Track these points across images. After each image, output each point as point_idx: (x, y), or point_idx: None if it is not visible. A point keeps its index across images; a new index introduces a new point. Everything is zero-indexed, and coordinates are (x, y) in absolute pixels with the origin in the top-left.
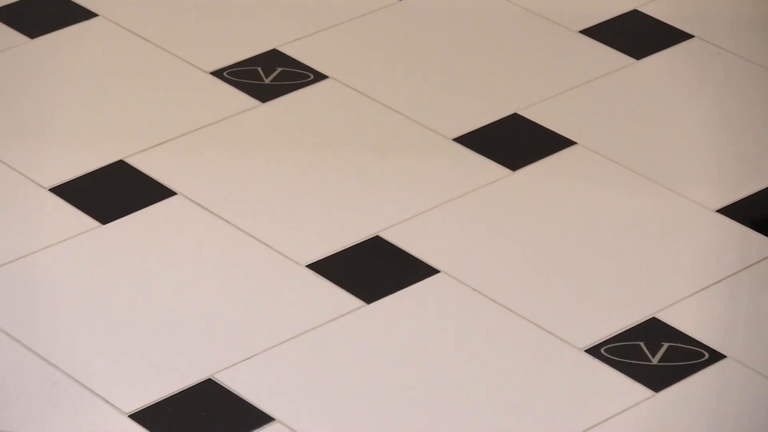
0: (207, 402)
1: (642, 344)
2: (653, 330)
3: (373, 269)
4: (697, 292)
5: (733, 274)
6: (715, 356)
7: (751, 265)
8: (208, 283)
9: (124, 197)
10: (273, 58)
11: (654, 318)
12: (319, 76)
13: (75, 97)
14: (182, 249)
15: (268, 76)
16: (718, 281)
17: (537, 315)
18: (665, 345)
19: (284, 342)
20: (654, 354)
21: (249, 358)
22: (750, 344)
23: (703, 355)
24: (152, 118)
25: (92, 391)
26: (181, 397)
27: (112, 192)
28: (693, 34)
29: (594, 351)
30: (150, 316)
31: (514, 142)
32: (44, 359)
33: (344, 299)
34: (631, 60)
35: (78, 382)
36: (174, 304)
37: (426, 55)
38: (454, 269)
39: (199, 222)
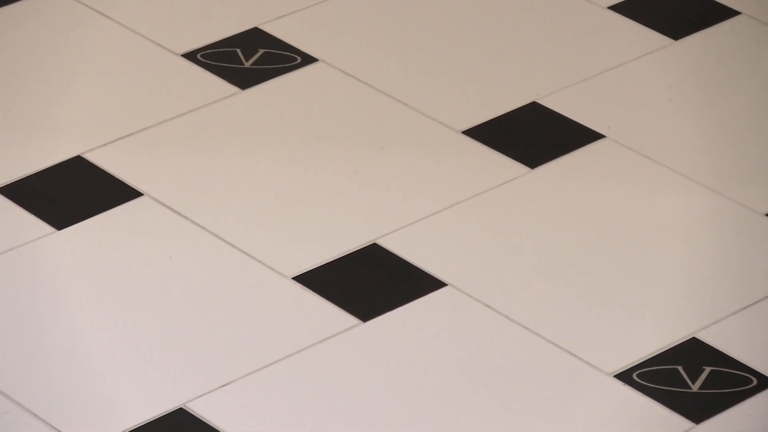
0: None
1: (680, 369)
2: (693, 352)
3: (369, 282)
4: (743, 308)
5: None
6: (764, 382)
7: None
8: (179, 299)
9: (81, 199)
10: (254, 37)
11: (694, 338)
12: (308, 59)
13: (24, 83)
14: (149, 259)
15: (249, 58)
16: None
17: (559, 335)
18: (707, 369)
19: (266, 366)
20: (694, 380)
21: (226, 384)
22: None
23: (751, 381)
24: (114, 107)
25: (46, 422)
26: (149, 428)
27: (68, 193)
28: (739, 10)
29: (625, 376)
30: (111, 337)
31: (532, 135)
32: None
33: (336, 317)
34: (668, 40)
35: (29, 411)
36: (139, 323)
37: (430, 34)
38: (464, 282)
39: (168, 228)
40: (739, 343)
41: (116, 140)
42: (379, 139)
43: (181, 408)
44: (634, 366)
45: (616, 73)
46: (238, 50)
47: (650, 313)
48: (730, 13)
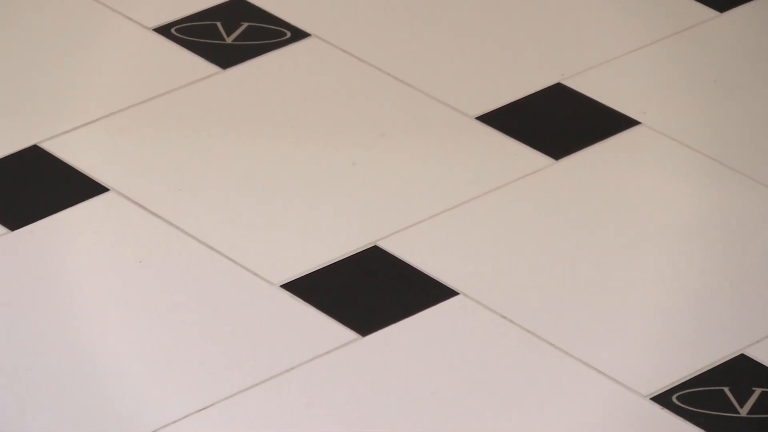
0: None
1: (726, 390)
2: (741, 371)
3: (369, 290)
4: None
5: None
6: None
7: None
8: (150, 310)
9: (39, 195)
10: (237, 9)
11: (742, 355)
12: (299, 34)
13: None
14: (116, 264)
15: (231, 33)
16: None
17: (587, 352)
18: (757, 391)
19: (249, 388)
20: (742, 402)
21: (204, 408)
22: None
23: None
24: (77, 89)
25: None
26: None
27: (23, 188)
28: None
29: (663, 399)
30: (73, 354)
31: (556, 121)
32: None
33: (331, 330)
34: (713, 12)
35: None
36: (103, 337)
37: (439, 5)
38: (478, 290)
39: (138, 227)
40: None
41: (78, 127)
42: (381, 125)
43: None
44: (673, 387)
45: (653, 50)
46: (219, 24)
47: (691, 325)
48: None
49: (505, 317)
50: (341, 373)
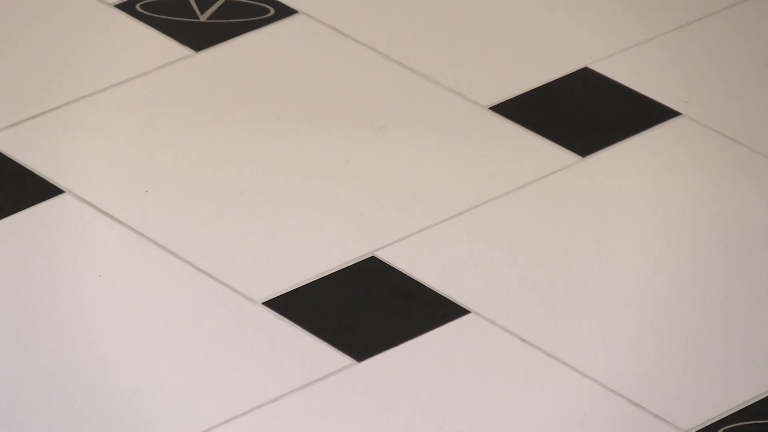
0: None
1: None
2: None
3: (366, 309)
4: None
5: None
6: None
7: None
8: (112, 331)
9: None
10: None
11: None
12: (284, 11)
13: None
14: (72, 277)
15: (205, 10)
16: None
17: (620, 380)
18: None
19: (228, 421)
20: None
21: None
22: None
23: None
24: (26, 75)
25: None
26: None
27: None
28: None
29: None
30: (23, 381)
31: (583, 112)
32: None
33: (323, 355)
34: None
35: None
36: (60, 362)
37: None
38: (491, 308)
39: (98, 235)
40: None
41: (28, 119)
42: (378, 117)
43: None
44: (718, 420)
45: (695, 30)
46: None
47: (738, 349)
48: None
49: (524, 340)
50: (334, 404)
